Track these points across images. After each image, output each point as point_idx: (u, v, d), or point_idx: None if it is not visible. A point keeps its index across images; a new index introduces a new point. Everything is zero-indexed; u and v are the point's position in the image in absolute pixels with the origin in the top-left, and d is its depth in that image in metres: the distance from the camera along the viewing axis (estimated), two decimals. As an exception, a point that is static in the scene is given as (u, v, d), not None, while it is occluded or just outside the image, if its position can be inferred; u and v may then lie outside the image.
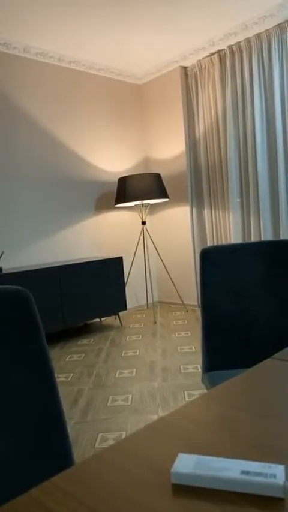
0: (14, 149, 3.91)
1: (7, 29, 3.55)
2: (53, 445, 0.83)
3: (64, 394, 2.59)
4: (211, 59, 4.27)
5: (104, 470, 0.57)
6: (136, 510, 0.49)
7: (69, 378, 2.85)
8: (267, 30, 3.75)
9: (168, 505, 0.49)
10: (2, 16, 3.34)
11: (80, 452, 1.90)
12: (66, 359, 3.26)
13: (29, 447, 0.80)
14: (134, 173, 4.92)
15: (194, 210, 4.69)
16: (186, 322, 4.12)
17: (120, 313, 4.41)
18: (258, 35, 3.83)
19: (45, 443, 0.82)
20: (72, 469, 0.59)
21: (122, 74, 4.76)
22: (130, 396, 2.46)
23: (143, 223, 4.54)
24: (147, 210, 5.14)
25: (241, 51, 4.01)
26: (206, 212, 4.55)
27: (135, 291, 4.95)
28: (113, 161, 4.75)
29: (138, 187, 4.15)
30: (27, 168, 3.99)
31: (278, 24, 3.68)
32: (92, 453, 1.88)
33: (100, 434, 2.04)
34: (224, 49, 4.15)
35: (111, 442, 1.95)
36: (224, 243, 4.39)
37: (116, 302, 4.04)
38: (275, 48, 3.73)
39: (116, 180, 4.75)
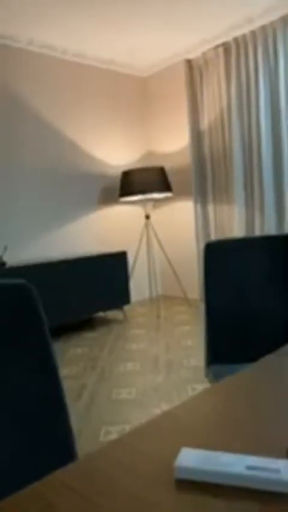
0: (18, 143, 3.90)
1: (11, 22, 3.52)
2: (57, 439, 0.83)
3: (68, 387, 2.60)
4: (216, 52, 4.22)
5: (107, 464, 0.57)
6: (139, 505, 0.49)
7: (73, 372, 2.86)
8: (272, 22, 3.71)
9: (171, 499, 0.49)
10: (6, 10, 3.32)
11: (83, 446, 1.91)
12: (70, 353, 3.27)
13: (32, 441, 0.80)
14: (138, 167, 4.90)
15: (198, 203, 4.66)
16: (189, 316, 4.12)
17: (124, 307, 4.42)
18: (263, 27, 3.78)
19: (49, 437, 0.82)
20: (75, 463, 0.59)
21: (125, 67, 4.73)
22: (134, 390, 2.47)
23: (147, 217, 4.53)
24: (151, 204, 5.12)
25: (246, 44, 3.96)
26: (210, 206, 4.53)
27: (139, 285, 4.95)
28: (117, 155, 4.73)
29: (142, 181, 4.13)
30: (30, 162, 3.98)
31: (283, 16, 3.63)
32: (95, 447, 1.89)
33: (104, 428, 2.05)
34: (229, 41, 4.10)
35: (114, 436, 1.96)
36: (227, 236, 4.37)
37: (120, 296, 4.05)
38: (280, 40, 3.69)
39: (120, 173, 4.74)
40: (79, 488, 0.53)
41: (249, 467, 0.51)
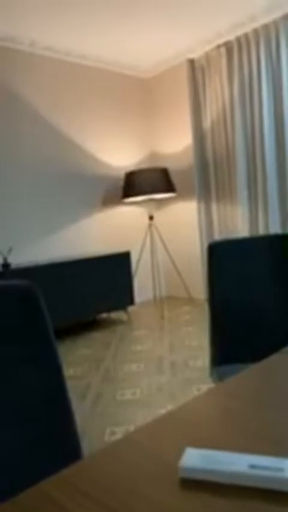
0: (21, 144, 3.91)
1: (13, 24, 3.54)
2: (62, 439, 0.83)
3: (73, 388, 2.61)
4: (218, 51, 4.22)
5: (112, 464, 0.58)
6: (144, 504, 0.49)
7: (78, 373, 2.86)
8: (275, 20, 3.70)
9: (176, 498, 0.50)
10: (8, 11, 3.34)
11: (88, 446, 1.92)
12: (75, 353, 3.28)
13: (38, 441, 0.81)
14: (141, 168, 4.91)
15: (202, 203, 4.66)
16: (194, 316, 4.12)
17: (128, 308, 4.42)
18: (265, 25, 3.78)
19: (54, 437, 0.82)
20: (80, 462, 0.59)
21: (128, 68, 4.74)
22: (138, 390, 2.47)
23: (150, 218, 4.53)
24: (155, 204, 5.12)
25: (248, 43, 3.96)
26: (213, 206, 4.52)
27: (143, 286, 4.96)
28: (120, 156, 4.73)
29: (145, 182, 4.14)
30: (33, 164, 4.00)
31: (286, 14, 3.63)
32: (100, 447, 1.89)
33: (108, 428, 2.05)
34: (231, 40, 4.10)
35: (119, 436, 1.97)
36: (231, 236, 4.37)
37: (124, 297, 4.05)
38: (283, 38, 3.68)
39: (123, 174, 4.74)
40: (84, 487, 0.53)
41: (252, 466, 0.52)
